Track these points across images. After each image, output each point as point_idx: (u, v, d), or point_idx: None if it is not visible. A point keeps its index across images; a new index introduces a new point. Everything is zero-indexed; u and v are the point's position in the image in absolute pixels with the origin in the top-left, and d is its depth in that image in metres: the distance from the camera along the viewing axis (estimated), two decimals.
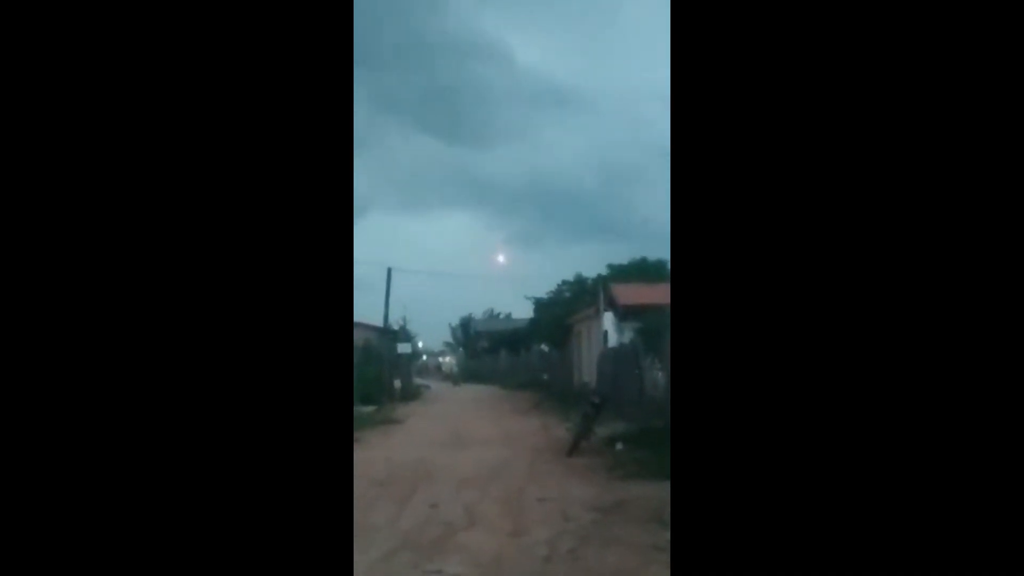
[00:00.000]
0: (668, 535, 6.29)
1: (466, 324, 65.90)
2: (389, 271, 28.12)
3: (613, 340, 19.82)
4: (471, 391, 35.92)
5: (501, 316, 60.77)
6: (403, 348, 29.96)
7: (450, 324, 68.31)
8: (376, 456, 11.46)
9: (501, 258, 47.46)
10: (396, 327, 31.44)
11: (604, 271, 28.93)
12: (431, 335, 66.80)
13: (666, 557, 5.65)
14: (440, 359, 72.09)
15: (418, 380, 38.60)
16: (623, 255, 38.38)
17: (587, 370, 22.12)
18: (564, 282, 34.37)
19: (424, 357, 64.09)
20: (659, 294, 19.70)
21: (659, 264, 28.97)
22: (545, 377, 29.14)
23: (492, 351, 49.11)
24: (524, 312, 41.32)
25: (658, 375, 14.32)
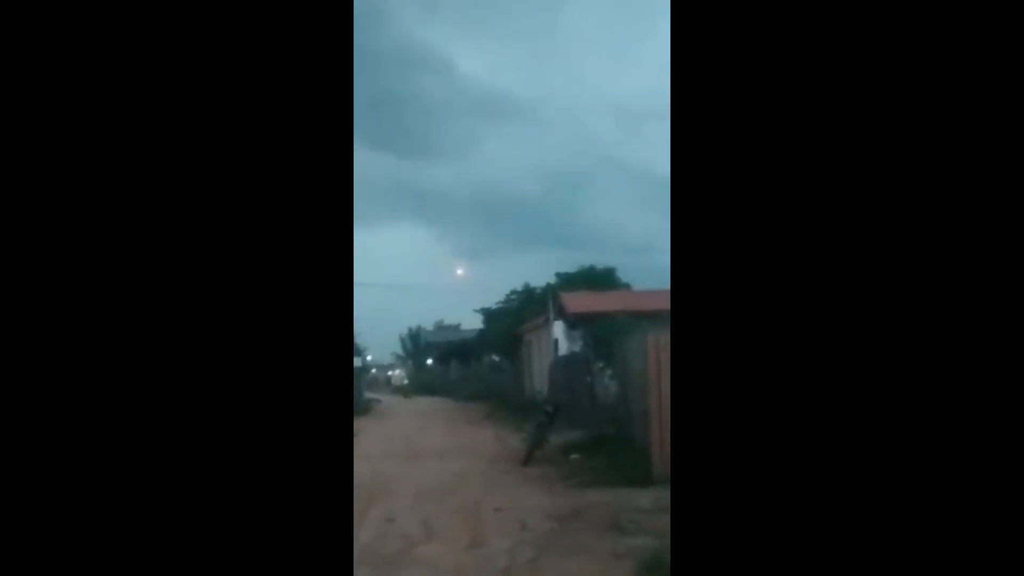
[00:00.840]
0: (627, 542, 6.37)
1: (415, 336, 65.53)
2: None
3: (564, 348, 19.91)
4: (422, 403, 35.71)
5: (451, 327, 60.57)
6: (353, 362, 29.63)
7: (400, 336, 67.94)
8: None
9: (460, 271, 46.98)
10: None
11: (552, 280, 29.05)
12: (380, 348, 66.32)
13: (626, 564, 5.68)
14: (390, 372, 71.53)
15: (368, 394, 38.21)
16: (570, 264, 38.61)
17: (538, 379, 22.17)
18: (513, 292, 34.41)
19: (374, 370, 63.52)
20: (608, 302, 19.89)
21: (607, 272, 29.18)
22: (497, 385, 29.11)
23: (442, 362, 48.90)
24: (474, 323, 41.32)
25: (609, 383, 14.41)
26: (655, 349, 9.60)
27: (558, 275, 29.10)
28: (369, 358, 46.36)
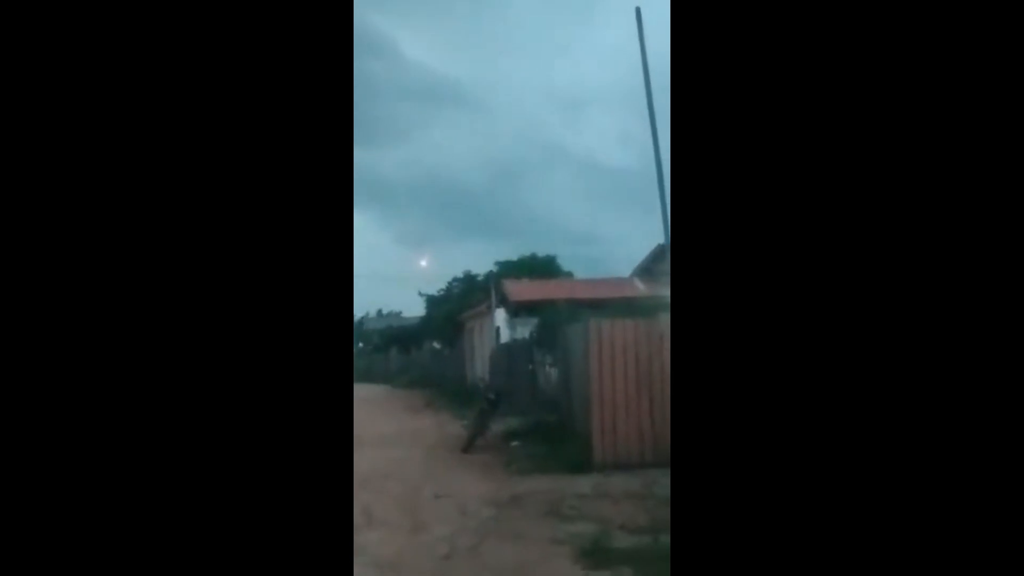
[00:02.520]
0: (566, 528, 6.40)
1: (356, 323, 65.05)
2: None
3: (505, 336, 19.94)
4: (362, 390, 35.33)
5: (392, 314, 60.24)
6: None
7: None
8: None
9: (424, 263, 45.93)
10: None
11: (494, 268, 29.08)
12: None
13: (565, 550, 5.72)
14: None
15: None
16: (512, 252, 38.61)
17: (480, 367, 22.18)
18: (455, 279, 34.35)
19: None
20: (550, 290, 19.97)
21: (548, 260, 29.35)
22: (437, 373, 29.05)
23: (382, 350, 48.58)
24: (415, 310, 41.12)
25: (551, 370, 14.48)
26: (597, 336, 9.68)
27: (500, 263, 29.16)
28: None
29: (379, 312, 63.61)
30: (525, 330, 18.28)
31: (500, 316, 21.60)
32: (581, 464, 9.13)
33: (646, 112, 8.48)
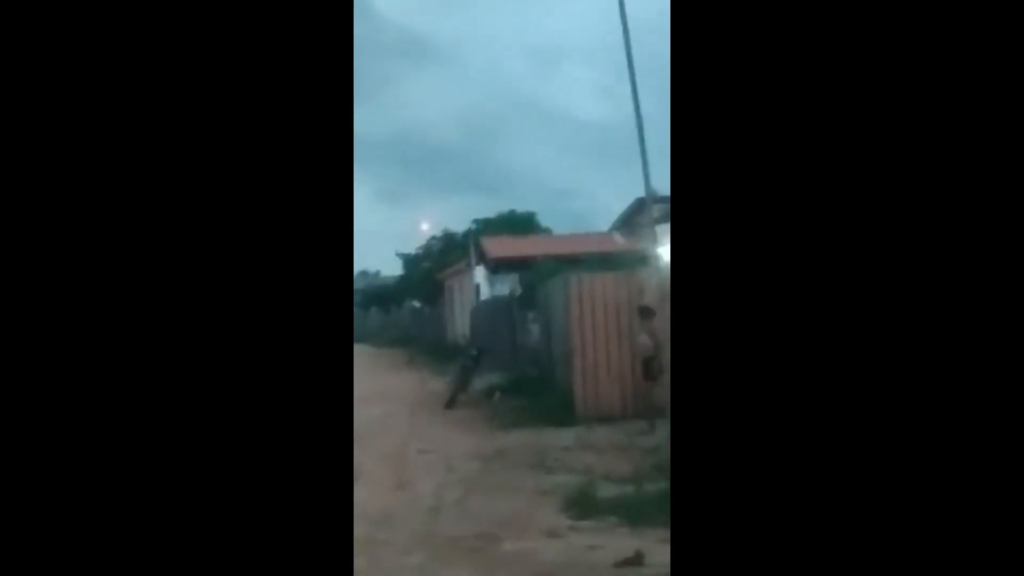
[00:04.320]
0: (551, 479, 6.50)
1: None
2: None
3: (485, 293, 19.98)
4: None
5: (370, 273, 59.97)
6: None
7: None
8: None
9: (425, 226, 44.92)
10: None
11: (472, 225, 28.96)
12: None
13: (551, 500, 5.81)
14: None
15: None
16: (490, 209, 38.47)
17: (460, 324, 22.24)
18: (433, 238, 34.19)
19: None
20: (529, 246, 19.95)
21: (527, 216, 29.24)
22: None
23: (362, 309, 48.52)
24: (393, 269, 40.96)
25: (532, 326, 14.55)
26: (577, 291, 9.73)
27: (479, 220, 29.04)
28: None
29: (363, 272, 63.30)
30: (505, 287, 18.33)
31: (480, 273, 21.61)
32: (563, 417, 9.23)
33: (622, 65, 8.40)
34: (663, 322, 8.65)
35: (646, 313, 8.98)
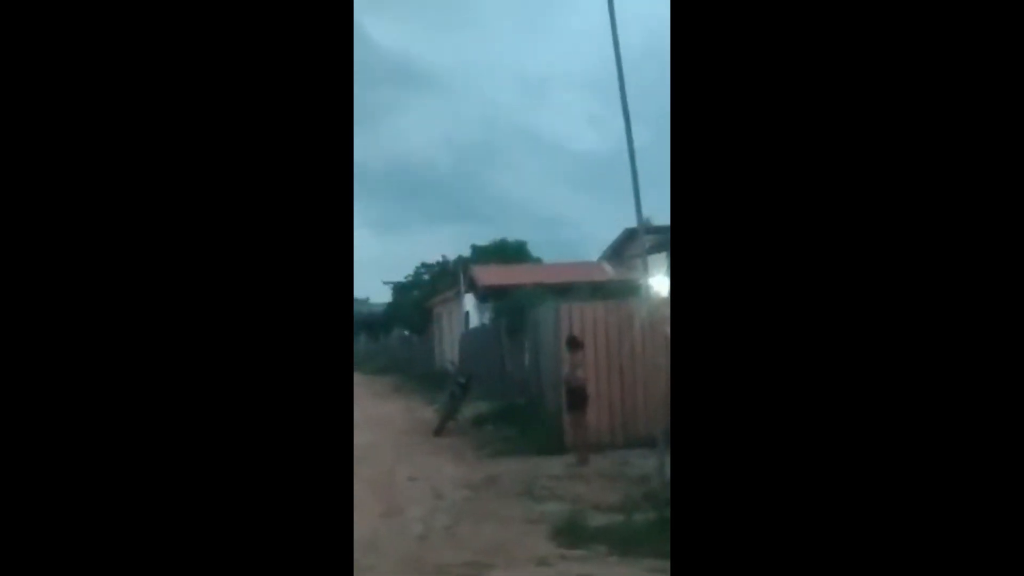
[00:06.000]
0: (540, 507, 6.48)
1: None
2: None
3: (475, 321, 19.97)
4: None
5: (359, 300, 59.83)
6: None
7: None
8: None
9: (415, 254, 44.87)
10: None
11: (461, 255, 29.01)
12: None
13: (541, 529, 5.79)
14: None
15: None
16: (482, 237, 38.52)
17: (449, 352, 22.19)
18: (423, 265, 34.28)
19: None
20: (519, 274, 20.00)
21: (518, 245, 29.36)
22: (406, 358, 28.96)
23: None
24: (382, 297, 40.92)
25: (521, 354, 14.54)
26: (566, 320, 9.75)
27: (471, 248, 29.11)
28: None
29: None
30: (494, 315, 18.31)
31: (469, 301, 21.62)
32: (551, 445, 9.21)
33: (613, 95, 8.48)
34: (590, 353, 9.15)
35: (574, 344, 9.03)
